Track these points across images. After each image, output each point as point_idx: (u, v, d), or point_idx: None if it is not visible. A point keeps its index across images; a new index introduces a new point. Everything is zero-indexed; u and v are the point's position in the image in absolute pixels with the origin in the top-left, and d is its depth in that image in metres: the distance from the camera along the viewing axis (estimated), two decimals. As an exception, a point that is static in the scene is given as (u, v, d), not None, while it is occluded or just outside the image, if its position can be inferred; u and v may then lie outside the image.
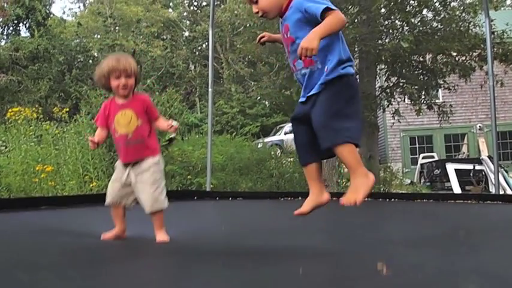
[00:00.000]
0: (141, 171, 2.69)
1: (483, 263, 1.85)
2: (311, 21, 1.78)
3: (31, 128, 7.67)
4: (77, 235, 2.78)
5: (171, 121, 2.80)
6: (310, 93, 1.81)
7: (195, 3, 32.55)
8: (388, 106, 11.68)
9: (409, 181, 14.67)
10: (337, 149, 1.69)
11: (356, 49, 11.12)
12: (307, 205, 1.84)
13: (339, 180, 9.85)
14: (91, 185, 6.59)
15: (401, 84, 11.24)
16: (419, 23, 10.92)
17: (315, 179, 1.84)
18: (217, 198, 5.65)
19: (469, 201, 5.22)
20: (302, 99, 1.90)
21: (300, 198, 5.50)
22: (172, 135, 2.83)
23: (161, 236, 2.65)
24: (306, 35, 1.77)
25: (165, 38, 30.43)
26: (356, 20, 11.08)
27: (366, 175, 1.68)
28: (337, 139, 1.69)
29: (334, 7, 1.78)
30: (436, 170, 14.55)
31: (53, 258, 2.02)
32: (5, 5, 17.95)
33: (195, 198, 5.58)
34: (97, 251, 2.32)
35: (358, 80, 11.01)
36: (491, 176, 11.24)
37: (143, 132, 2.74)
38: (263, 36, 2.23)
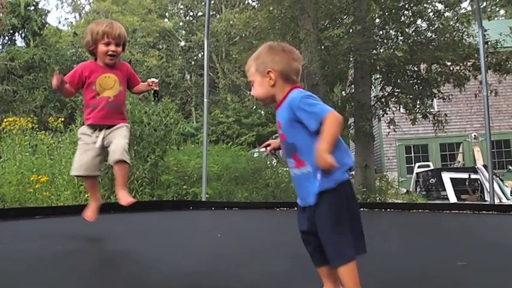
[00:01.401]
0: (113, 130, 2.71)
1: (480, 279, 1.85)
2: (302, 122, 1.74)
3: (26, 138, 7.63)
4: (66, 246, 2.75)
5: (149, 80, 2.80)
6: (307, 204, 1.76)
7: (191, 14, 32.70)
8: (383, 115, 11.71)
9: (404, 190, 14.67)
10: (339, 268, 1.67)
11: (351, 59, 11.18)
12: None
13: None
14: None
15: (396, 93, 11.28)
16: (413, 33, 10.99)
17: (330, 281, 1.79)
18: (213, 208, 5.62)
19: (465, 211, 5.23)
20: (299, 204, 1.84)
21: (295, 208, 5.48)
22: (155, 89, 2.84)
23: (124, 198, 2.63)
24: (296, 136, 1.73)
25: (160, 47, 30.52)
26: (351, 30, 11.15)
27: None
28: (337, 261, 1.67)
29: (327, 111, 1.69)
30: (432, 179, 14.57)
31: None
32: (1, 15, 17.95)
33: (191, 208, 5.56)
34: (86, 267, 2.29)
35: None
36: (487, 184, 11.28)
37: (122, 98, 2.76)
38: (268, 145, 2.10)
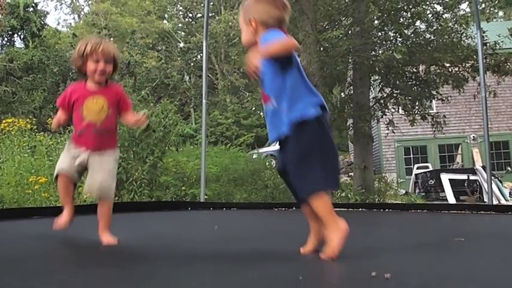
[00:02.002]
0: (101, 156, 2.58)
1: (476, 269, 1.86)
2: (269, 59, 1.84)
3: (25, 139, 7.64)
4: (65, 244, 2.76)
5: (139, 115, 2.66)
6: (279, 135, 1.83)
7: (190, 15, 32.75)
8: (382, 117, 11.74)
9: (403, 191, 14.68)
10: (310, 200, 1.72)
11: (350, 60, 11.21)
12: (308, 246, 1.85)
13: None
14: (85, 196, 6.56)
15: (395, 95, 11.30)
16: (412, 35, 11.02)
17: (313, 219, 1.86)
18: (211, 208, 5.63)
19: (463, 212, 5.23)
20: (271, 139, 1.93)
21: (294, 208, 5.49)
22: (144, 125, 2.74)
23: (107, 238, 2.52)
24: (265, 72, 1.83)
25: (159, 49, 30.54)
26: (350, 32, 11.17)
27: (336, 227, 1.67)
28: (306, 190, 1.73)
29: (284, 36, 1.80)
30: (431, 180, 14.57)
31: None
32: (0, 16, 17.96)
33: (189, 208, 5.56)
34: (83, 258, 2.29)
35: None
36: (486, 186, 11.29)
37: (112, 123, 2.64)
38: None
